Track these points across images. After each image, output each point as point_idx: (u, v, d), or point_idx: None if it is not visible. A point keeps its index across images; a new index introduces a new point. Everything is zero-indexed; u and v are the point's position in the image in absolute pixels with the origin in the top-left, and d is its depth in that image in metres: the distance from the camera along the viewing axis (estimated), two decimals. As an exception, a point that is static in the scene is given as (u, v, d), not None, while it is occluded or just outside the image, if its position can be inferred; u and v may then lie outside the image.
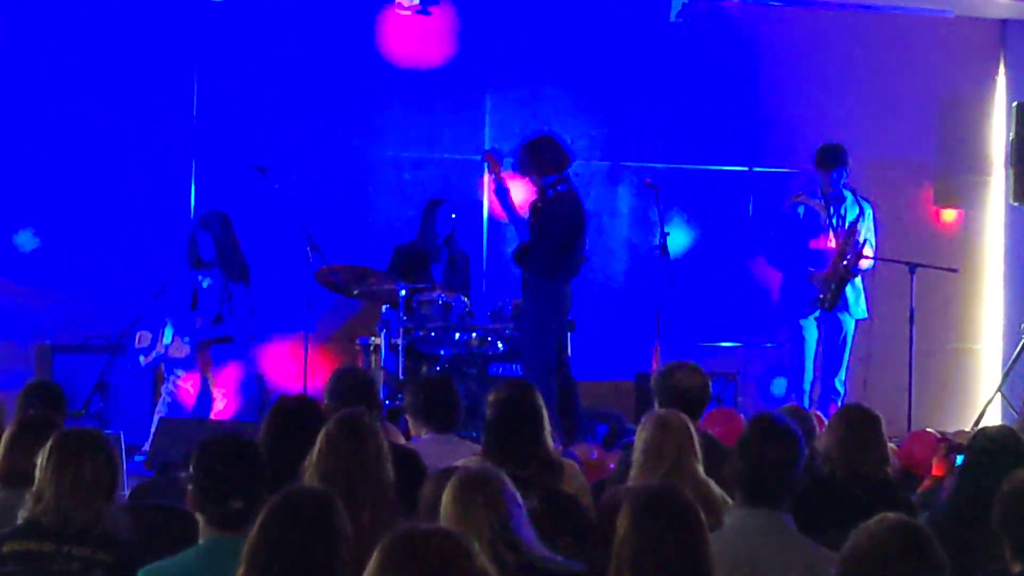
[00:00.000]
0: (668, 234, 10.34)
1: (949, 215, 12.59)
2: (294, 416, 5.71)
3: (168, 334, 10.27)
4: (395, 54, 11.66)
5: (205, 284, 10.37)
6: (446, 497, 4.46)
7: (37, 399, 6.71)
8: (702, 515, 3.99)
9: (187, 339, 10.23)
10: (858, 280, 11.02)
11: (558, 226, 9.82)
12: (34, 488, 4.83)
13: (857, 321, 11.08)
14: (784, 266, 11.14)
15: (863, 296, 11.06)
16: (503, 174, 10.08)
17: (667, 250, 10.23)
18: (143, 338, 10.32)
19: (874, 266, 11.08)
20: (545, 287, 9.87)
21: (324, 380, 6.90)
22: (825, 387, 11.08)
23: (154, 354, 10.28)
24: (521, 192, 10.11)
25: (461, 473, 4.55)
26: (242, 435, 4.87)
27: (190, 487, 4.45)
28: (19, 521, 4.84)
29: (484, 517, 4.36)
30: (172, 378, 10.30)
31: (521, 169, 9.96)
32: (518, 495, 4.48)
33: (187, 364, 10.25)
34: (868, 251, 10.95)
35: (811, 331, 11.01)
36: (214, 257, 10.35)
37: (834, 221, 10.91)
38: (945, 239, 12.71)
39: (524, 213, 9.96)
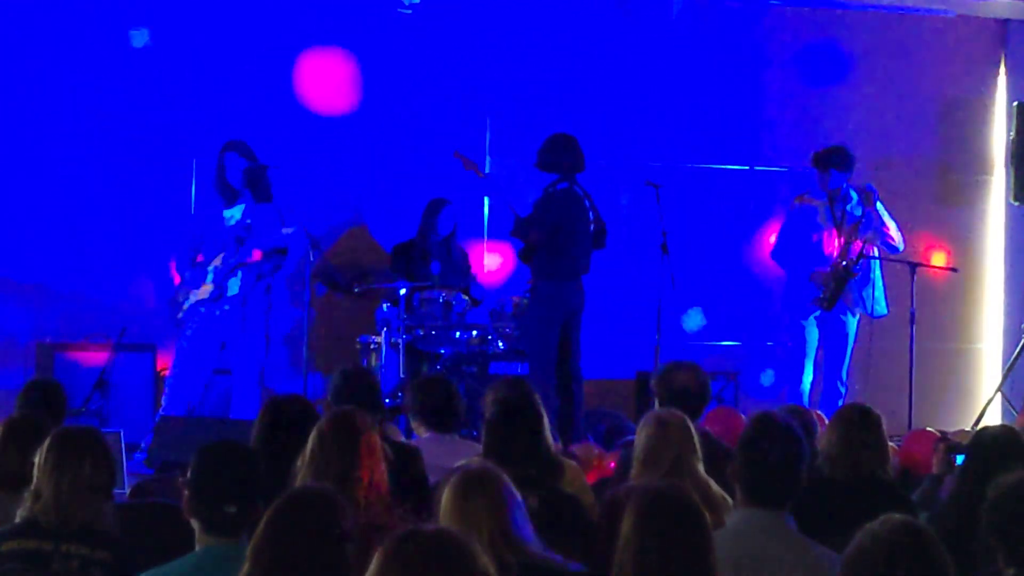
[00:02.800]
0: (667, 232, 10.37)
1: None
2: (287, 416, 5.70)
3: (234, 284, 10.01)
4: (395, 52, 11.66)
5: (232, 222, 10.05)
6: (446, 496, 4.45)
7: (37, 398, 6.69)
8: (707, 516, 3.98)
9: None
10: (877, 277, 10.98)
11: (546, 222, 9.92)
12: (32, 487, 4.83)
13: (875, 318, 11.05)
14: (787, 265, 11.14)
15: (881, 292, 11.02)
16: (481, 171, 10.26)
17: (668, 249, 10.24)
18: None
19: (886, 242, 10.96)
20: (543, 285, 9.96)
21: (324, 379, 6.90)
22: (827, 387, 11.08)
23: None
24: None
25: (462, 472, 4.54)
26: (241, 440, 4.85)
27: (186, 493, 4.45)
28: (17, 520, 4.84)
29: (485, 516, 4.36)
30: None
31: (537, 161, 10.11)
32: (519, 495, 4.48)
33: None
34: (875, 251, 10.93)
35: (811, 331, 11.01)
36: (242, 181, 10.03)
37: (838, 220, 10.90)
38: (946, 239, 12.70)
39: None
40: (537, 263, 10.03)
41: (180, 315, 9.96)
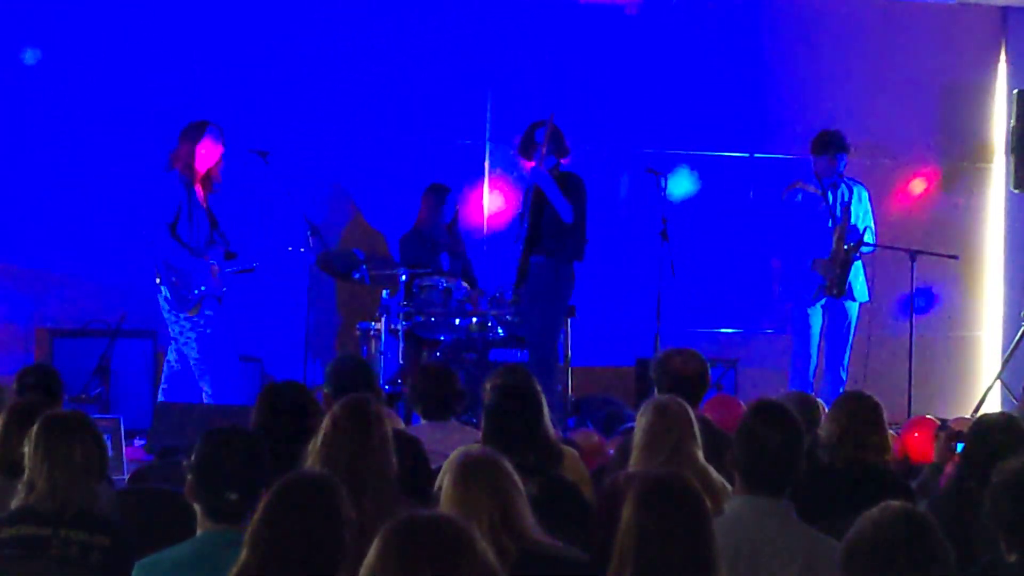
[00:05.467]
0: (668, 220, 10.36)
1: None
2: (283, 402, 5.70)
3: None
4: (398, 36, 11.65)
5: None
6: (447, 481, 4.45)
7: (33, 384, 6.66)
8: (707, 503, 3.98)
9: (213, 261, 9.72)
10: (858, 263, 11.01)
11: (584, 206, 9.93)
12: (25, 477, 4.81)
13: (860, 304, 11.08)
14: (785, 254, 11.13)
15: (863, 279, 11.04)
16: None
17: (668, 236, 10.24)
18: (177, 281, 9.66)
19: (873, 250, 11.08)
20: (564, 269, 9.93)
21: (324, 366, 6.90)
22: (829, 375, 11.07)
23: (196, 292, 9.66)
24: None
25: (463, 457, 4.54)
26: (245, 426, 4.83)
27: (189, 477, 4.44)
28: (13, 508, 4.82)
29: (485, 502, 4.36)
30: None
31: (549, 146, 10.00)
32: (519, 480, 4.48)
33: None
34: (868, 236, 10.95)
35: (816, 318, 10.99)
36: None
37: (833, 207, 10.90)
38: (945, 226, 12.70)
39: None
40: (560, 245, 9.96)
41: (196, 292, 9.71)
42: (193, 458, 4.47)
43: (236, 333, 9.98)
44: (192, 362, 9.70)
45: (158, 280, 9.71)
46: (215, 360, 9.67)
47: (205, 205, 9.78)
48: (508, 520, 4.37)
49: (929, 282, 11.71)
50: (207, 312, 9.69)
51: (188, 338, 9.68)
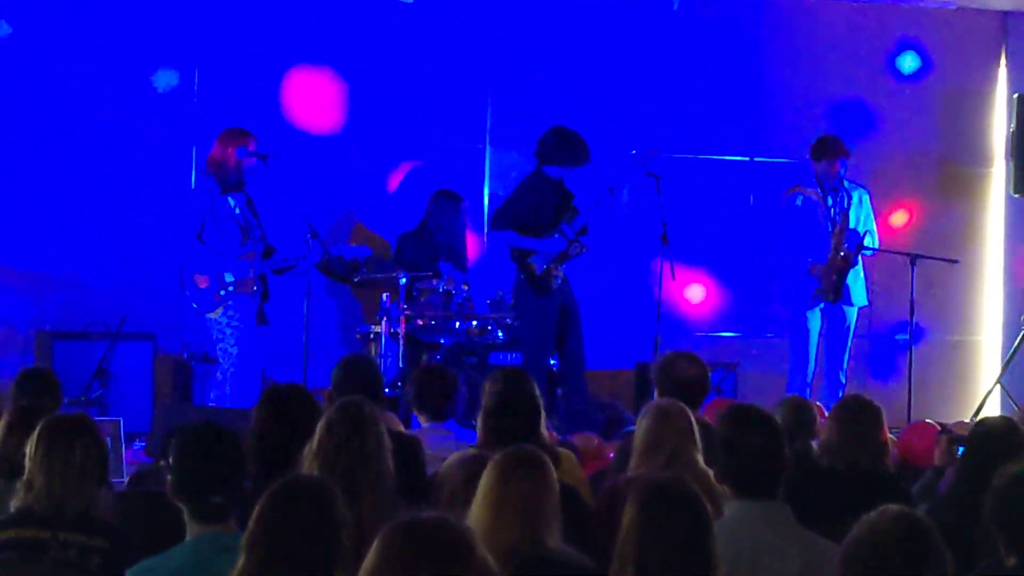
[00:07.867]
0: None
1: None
2: (285, 405, 5.69)
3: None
4: (399, 39, 11.65)
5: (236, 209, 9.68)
6: (489, 475, 4.40)
7: (30, 386, 6.65)
8: (708, 507, 3.98)
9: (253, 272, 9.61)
10: (858, 267, 10.99)
11: None
12: (25, 477, 4.80)
13: (858, 308, 11.07)
14: (785, 257, 11.12)
15: (863, 283, 11.03)
16: None
17: (668, 240, 10.24)
18: (200, 280, 9.57)
19: (874, 254, 11.07)
20: None
21: (324, 369, 6.89)
22: (828, 379, 11.06)
23: (221, 294, 9.56)
24: None
25: (512, 452, 4.50)
26: (222, 425, 4.77)
27: (169, 477, 4.43)
28: (12, 510, 4.82)
29: (523, 501, 4.33)
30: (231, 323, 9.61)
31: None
32: (557, 484, 4.46)
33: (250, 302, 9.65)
34: (868, 240, 10.94)
35: (815, 322, 10.97)
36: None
37: (832, 211, 10.89)
38: (946, 230, 12.70)
39: None
40: None
41: (223, 293, 9.62)
42: (172, 460, 4.46)
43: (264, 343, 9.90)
44: (219, 363, 9.68)
45: (182, 287, 9.67)
46: (231, 363, 9.62)
47: (237, 211, 9.71)
48: (537, 523, 4.34)
49: (928, 284, 11.70)
50: (230, 313, 9.61)
51: (218, 337, 9.64)
